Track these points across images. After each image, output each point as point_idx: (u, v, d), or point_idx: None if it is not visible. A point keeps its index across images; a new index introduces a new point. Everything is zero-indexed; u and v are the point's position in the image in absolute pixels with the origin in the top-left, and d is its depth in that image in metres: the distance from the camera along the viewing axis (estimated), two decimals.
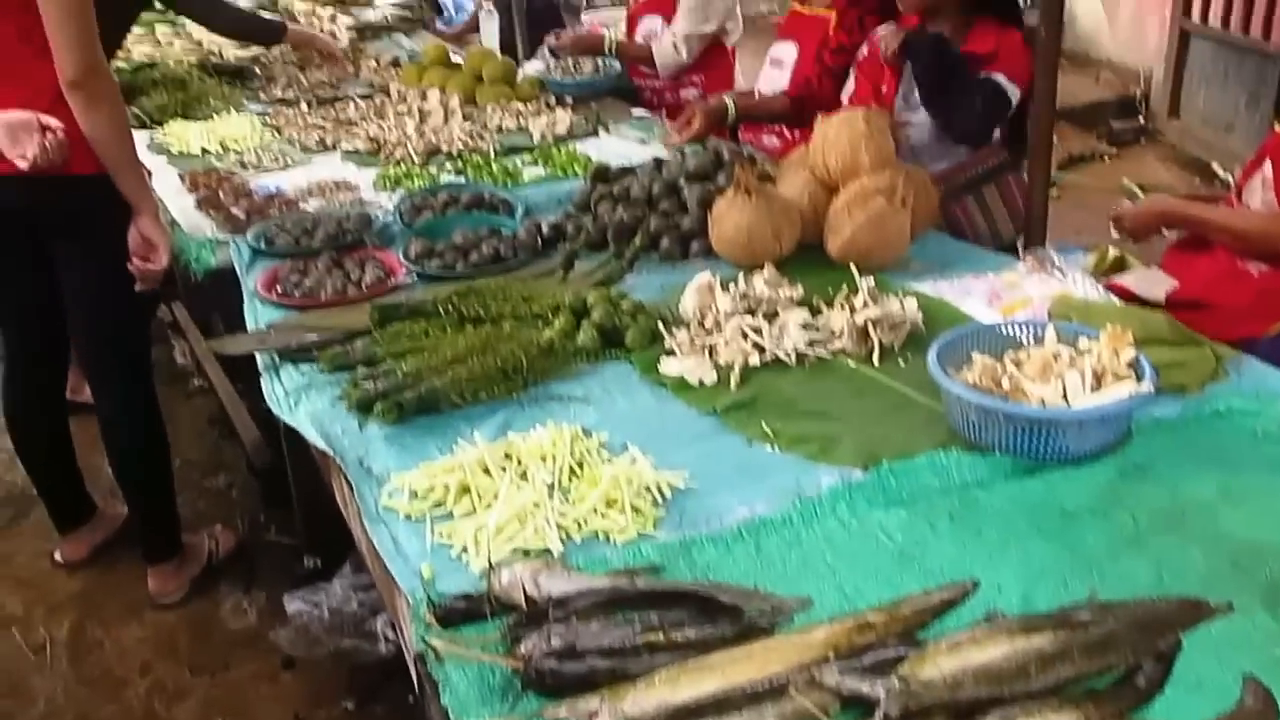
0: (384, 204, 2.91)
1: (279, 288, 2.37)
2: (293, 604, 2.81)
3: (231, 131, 3.60)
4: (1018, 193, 2.80)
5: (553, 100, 3.86)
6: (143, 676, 2.75)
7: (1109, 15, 7.38)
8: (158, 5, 4.30)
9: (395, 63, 4.51)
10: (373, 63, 4.56)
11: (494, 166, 3.18)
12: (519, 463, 1.66)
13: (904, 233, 2.35)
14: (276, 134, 3.62)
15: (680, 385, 1.93)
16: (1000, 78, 2.74)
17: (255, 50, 4.57)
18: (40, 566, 3.12)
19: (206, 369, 3.85)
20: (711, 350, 1.99)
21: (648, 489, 1.60)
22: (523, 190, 2.95)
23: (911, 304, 2.06)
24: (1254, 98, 6.06)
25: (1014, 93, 2.77)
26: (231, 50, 4.60)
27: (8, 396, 2.91)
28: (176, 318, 4.25)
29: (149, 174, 3.01)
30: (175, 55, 4.59)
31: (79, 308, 2.67)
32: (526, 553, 1.48)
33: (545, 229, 2.59)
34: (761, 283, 2.15)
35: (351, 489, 1.74)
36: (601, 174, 2.83)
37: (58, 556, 3.10)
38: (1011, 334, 1.82)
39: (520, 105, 3.75)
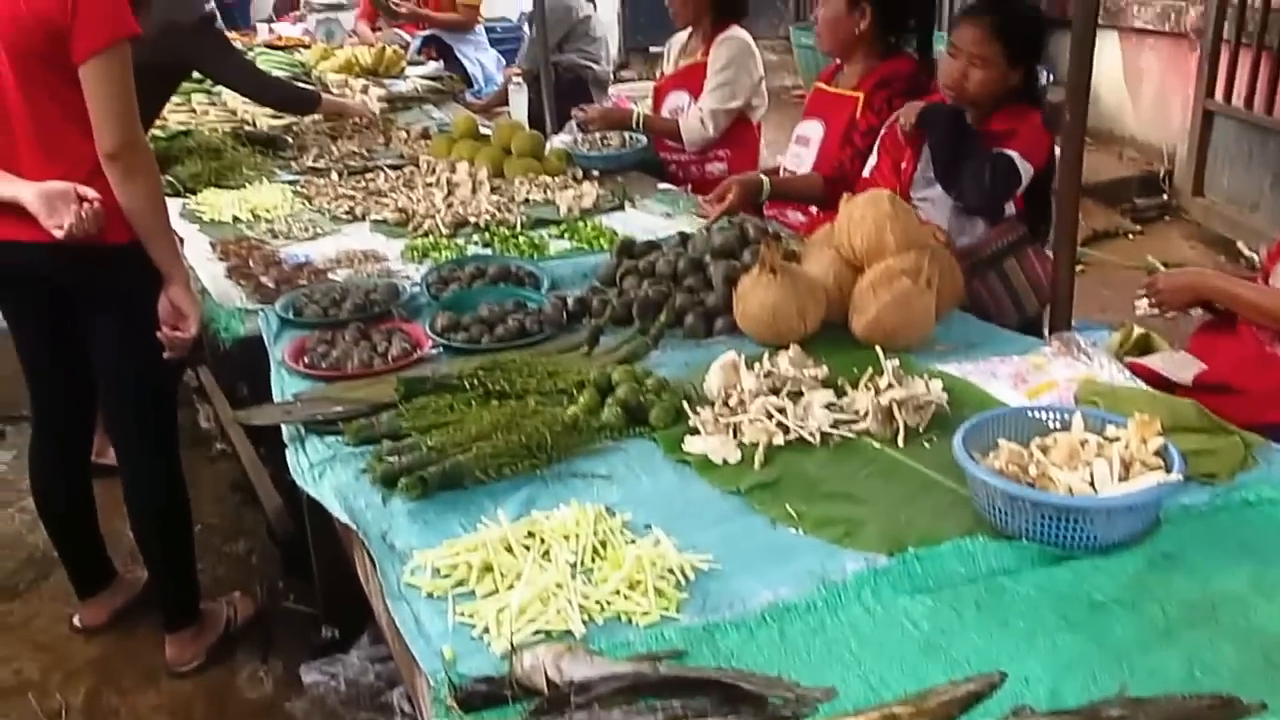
0: (411, 275, 2.94)
1: (306, 358, 2.39)
2: (309, 675, 2.81)
3: (263, 200, 3.66)
4: (1040, 266, 2.81)
5: (580, 173, 3.91)
6: None
7: (1132, 93, 7.43)
8: (196, 75, 4.40)
9: (425, 134, 4.58)
10: (403, 134, 4.63)
11: (521, 239, 3.21)
12: (542, 541, 1.65)
13: (929, 313, 2.35)
14: (307, 203, 3.68)
15: (704, 464, 1.93)
16: (1014, 154, 2.77)
17: (288, 119, 4.66)
18: (59, 631, 3.11)
19: (230, 434, 3.88)
20: (736, 429, 1.99)
21: (671, 571, 1.59)
22: (549, 263, 2.98)
23: (936, 385, 2.05)
24: (1278, 178, 6.08)
25: (1026, 170, 2.80)
26: (265, 119, 4.69)
27: (34, 459, 2.93)
28: (202, 382, 4.30)
29: (181, 241, 3.06)
30: (210, 123, 4.68)
31: (108, 374, 2.70)
32: (549, 634, 1.47)
33: (571, 303, 2.60)
34: (786, 362, 2.15)
35: (373, 564, 1.73)
36: (627, 249, 2.85)
37: (77, 621, 3.09)
38: (1038, 419, 1.82)
39: (547, 178, 3.80)
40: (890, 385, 2.03)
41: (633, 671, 1.33)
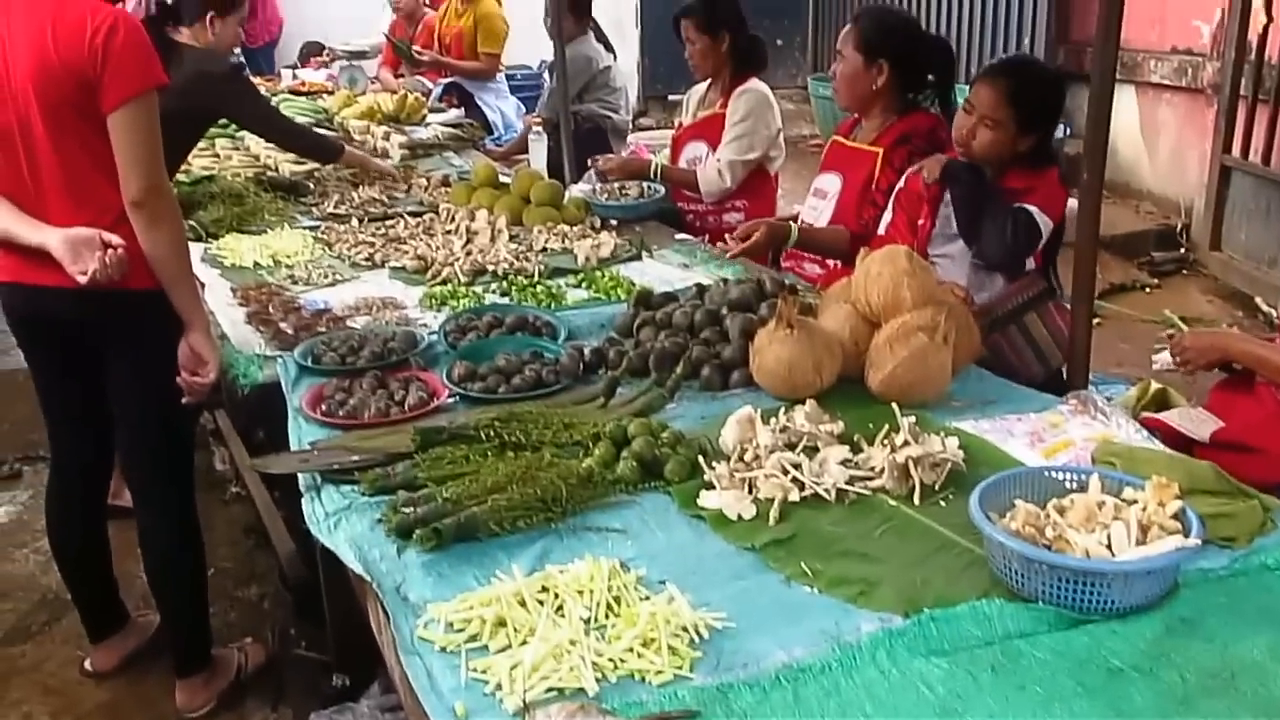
0: (429, 322, 2.96)
1: (323, 406, 2.40)
2: None
3: (284, 246, 3.69)
4: (1061, 320, 2.81)
5: (598, 223, 3.94)
6: None
7: (1149, 147, 7.46)
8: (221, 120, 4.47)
9: (445, 181, 4.62)
10: (423, 181, 4.67)
11: (538, 288, 3.23)
12: (556, 596, 1.65)
13: (945, 369, 2.35)
14: (327, 249, 3.71)
15: (719, 519, 1.93)
16: (1033, 209, 2.79)
17: (310, 165, 4.71)
18: (69, 675, 3.10)
19: (245, 478, 3.88)
20: (751, 485, 1.99)
21: (685, 629, 1.58)
22: (566, 313, 2.99)
23: (953, 443, 2.05)
24: None
25: (1046, 224, 2.82)
26: (287, 165, 4.74)
27: (51, 502, 2.94)
28: (219, 425, 4.30)
29: (202, 286, 3.09)
30: (233, 168, 4.74)
31: (126, 418, 2.72)
32: (561, 692, 1.46)
33: (587, 354, 2.61)
34: (802, 417, 2.15)
35: (387, 616, 1.73)
36: (644, 300, 2.86)
37: (88, 665, 3.09)
38: (1055, 479, 1.81)
39: (566, 227, 3.82)
40: (906, 442, 2.03)
41: None
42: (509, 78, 7.24)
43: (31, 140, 2.43)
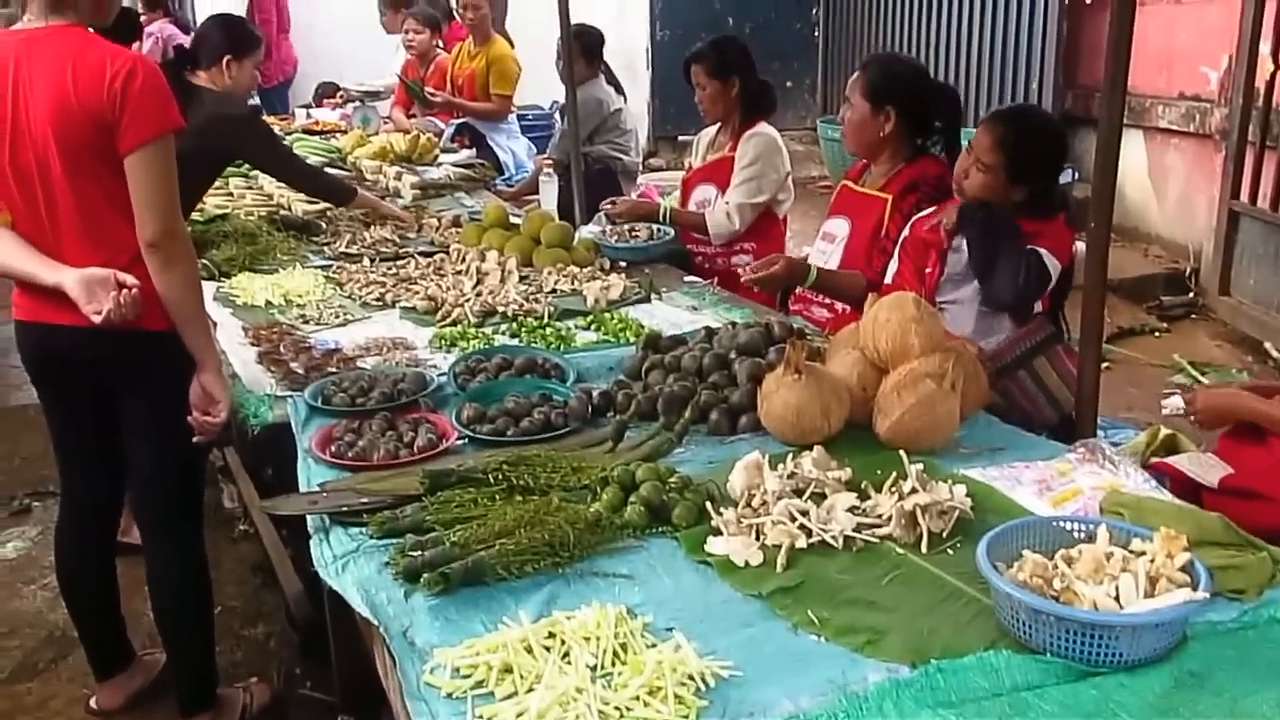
0: (439, 363, 2.97)
1: (333, 448, 2.41)
2: None
3: (295, 285, 3.72)
4: (1071, 363, 2.82)
5: (607, 264, 3.96)
6: None
7: (1157, 191, 7.48)
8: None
9: (456, 221, 4.65)
10: (434, 220, 4.71)
11: (548, 330, 3.25)
12: (563, 643, 1.65)
13: (953, 416, 2.35)
14: (338, 289, 3.73)
15: (726, 566, 1.92)
16: (1044, 251, 2.81)
17: (323, 205, 4.75)
18: (75, 713, 3.10)
19: (253, 515, 3.89)
20: (758, 531, 1.99)
21: (691, 677, 1.58)
22: (575, 355, 3.01)
23: (960, 491, 2.05)
24: None
25: (1055, 267, 2.84)
26: (300, 204, 4.78)
27: (61, 539, 2.95)
28: (227, 462, 4.32)
29: (214, 325, 3.11)
30: (246, 207, 4.79)
31: (137, 456, 2.73)
32: None
33: (596, 397, 2.62)
34: (810, 463, 2.16)
35: (393, 660, 1.73)
36: (653, 343, 2.88)
37: (94, 703, 3.08)
38: (1063, 530, 1.81)
39: (575, 268, 3.84)
40: (914, 489, 2.03)
41: None
42: (520, 118, 7.30)
43: (50, 181, 2.46)
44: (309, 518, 2.15)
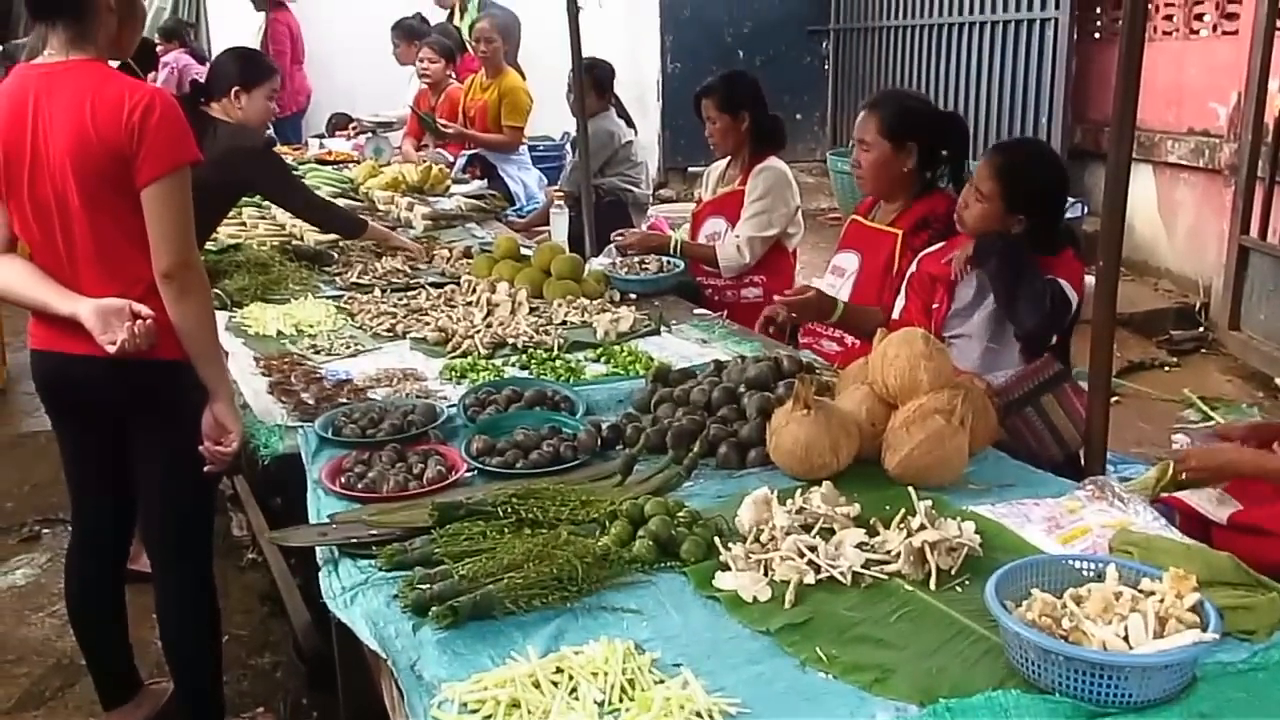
0: (449, 394, 2.99)
1: (342, 479, 2.42)
2: None
3: (307, 315, 3.74)
4: (1078, 401, 2.82)
5: (617, 296, 3.98)
6: None
7: (1167, 225, 7.49)
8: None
9: (467, 253, 4.68)
10: (445, 251, 4.73)
11: (558, 363, 3.26)
12: (570, 678, 1.65)
13: (962, 452, 2.36)
14: (350, 319, 3.75)
15: (734, 601, 1.92)
16: (1063, 282, 2.82)
17: (335, 235, 4.78)
18: None
19: (262, 544, 3.90)
20: (767, 566, 1.99)
21: (699, 714, 1.58)
22: (584, 388, 3.01)
23: (969, 528, 2.05)
24: None
25: (1073, 297, 2.84)
26: (312, 234, 4.81)
27: (71, 567, 2.96)
28: (237, 490, 4.33)
29: (226, 355, 3.13)
30: (259, 237, 4.82)
31: (149, 485, 2.74)
32: None
33: (605, 430, 2.63)
34: (818, 499, 2.16)
35: (401, 694, 1.73)
36: (662, 376, 2.88)
37: None
38: (1072, 568, 1.81)
39: (585, 300, 3.86)
40: (923, 526, 2.03)
41: None
42: (531, 149, 7.34)
43: (67, 213, 2.48)
44: (318, 549, 2.16)
